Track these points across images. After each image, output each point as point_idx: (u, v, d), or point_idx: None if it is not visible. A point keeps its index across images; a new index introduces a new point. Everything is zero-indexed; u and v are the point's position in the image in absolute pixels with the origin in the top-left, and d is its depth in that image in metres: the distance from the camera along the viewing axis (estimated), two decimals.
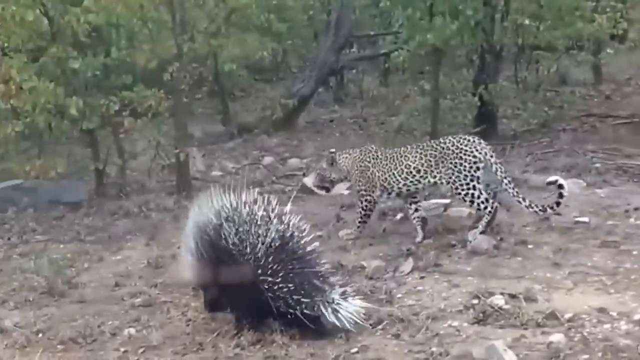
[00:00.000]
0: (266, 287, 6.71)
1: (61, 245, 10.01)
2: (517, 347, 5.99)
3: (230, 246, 6.84)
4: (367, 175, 8.92)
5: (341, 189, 10.84)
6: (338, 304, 6.72)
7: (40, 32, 11.58)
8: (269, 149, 14.18)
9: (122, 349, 6.99)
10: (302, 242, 6.87)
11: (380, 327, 6.88)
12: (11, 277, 8.95)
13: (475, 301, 7.06)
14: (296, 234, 6.87)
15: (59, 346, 7.17)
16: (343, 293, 6.82)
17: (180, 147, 11.56)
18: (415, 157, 8.70)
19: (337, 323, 6.66)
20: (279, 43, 16.99)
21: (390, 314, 7.02)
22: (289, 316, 6.73)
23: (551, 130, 13.88)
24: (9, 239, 10.68)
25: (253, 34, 14.72)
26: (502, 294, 7.09)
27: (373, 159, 8.96)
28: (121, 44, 11.63)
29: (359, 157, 9.02)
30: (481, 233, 8.44)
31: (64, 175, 11.86)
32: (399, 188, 8.82)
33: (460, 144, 8.56)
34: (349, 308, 6.71)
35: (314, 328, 6.66)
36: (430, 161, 8.64)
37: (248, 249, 6.80)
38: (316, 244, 6.92)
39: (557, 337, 6.05)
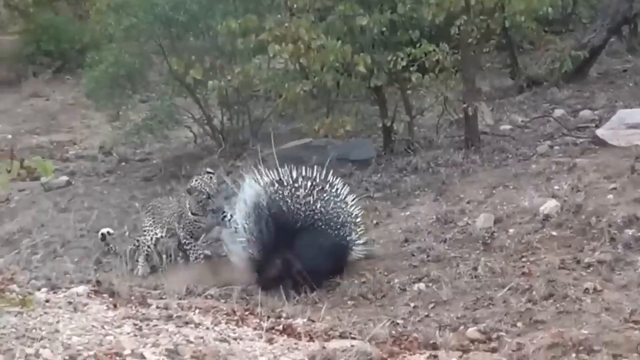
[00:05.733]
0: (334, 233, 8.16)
1: None
2: None
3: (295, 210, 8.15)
4: None
5: (636, 139, 10.32)
6: (357, 244, 8.37)
7: None
8: (559, 101, 13.74)
9: (412, 304, 7.02)
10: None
11: None
12: None
13: None
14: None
15: (349, 302, 7.27)
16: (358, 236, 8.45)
17: (469, 102, 11.36)
18: None
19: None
20: None
21: None
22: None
23: None
24: None
25: None
26: None
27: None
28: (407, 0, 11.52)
29: None
30: None
31: (352, 133, 11.98)
32: None
33: None
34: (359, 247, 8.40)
35: None
36: None
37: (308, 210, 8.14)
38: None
39: None
